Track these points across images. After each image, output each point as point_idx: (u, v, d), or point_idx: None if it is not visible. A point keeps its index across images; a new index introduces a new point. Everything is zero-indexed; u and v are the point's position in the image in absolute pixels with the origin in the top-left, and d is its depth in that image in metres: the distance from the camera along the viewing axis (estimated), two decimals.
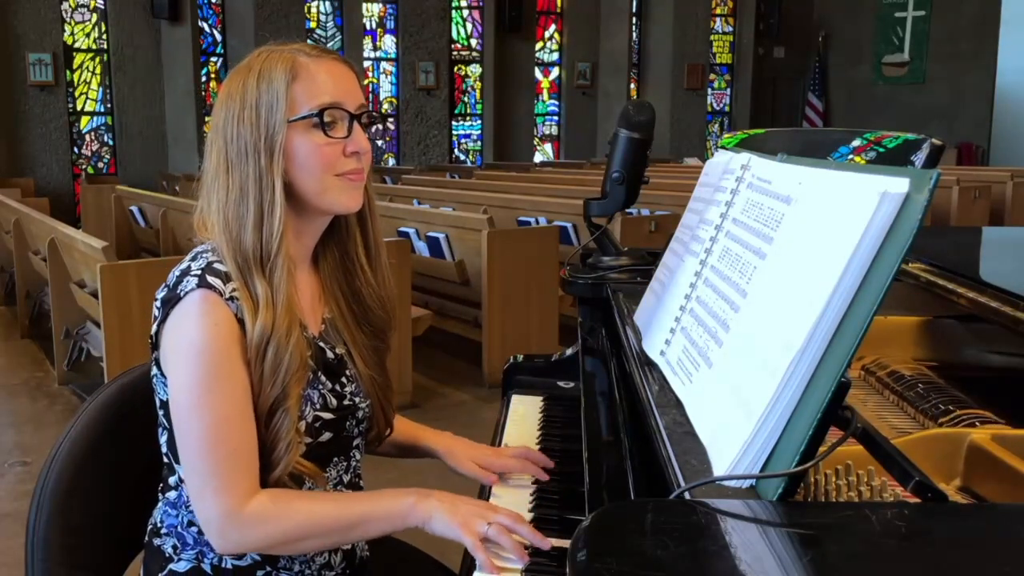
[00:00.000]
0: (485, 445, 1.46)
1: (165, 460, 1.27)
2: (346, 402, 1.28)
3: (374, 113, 1.27)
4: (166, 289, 1.19)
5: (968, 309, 1.28)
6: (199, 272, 1.17)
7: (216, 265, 1.18)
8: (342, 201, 1.23)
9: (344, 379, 1.29)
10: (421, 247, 4.89)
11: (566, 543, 0.86)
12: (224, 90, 1.24)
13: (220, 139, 1.21)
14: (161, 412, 1.24)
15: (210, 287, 1.16)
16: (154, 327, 1.20)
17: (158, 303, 1.19)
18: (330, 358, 1.28)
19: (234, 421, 1.15)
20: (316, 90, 1.19)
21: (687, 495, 0.82)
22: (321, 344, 1.28)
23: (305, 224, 1.26)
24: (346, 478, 1.33)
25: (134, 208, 7.14)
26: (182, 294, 1.16)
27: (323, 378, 1.26)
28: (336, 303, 1.32)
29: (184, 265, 1.20)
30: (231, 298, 1.16)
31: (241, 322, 1.16)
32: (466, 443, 1.43)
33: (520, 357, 1.90)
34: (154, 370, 1.23)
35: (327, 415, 1.25)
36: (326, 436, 1.26)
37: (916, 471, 0.78)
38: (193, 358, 1.15)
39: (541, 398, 1.77)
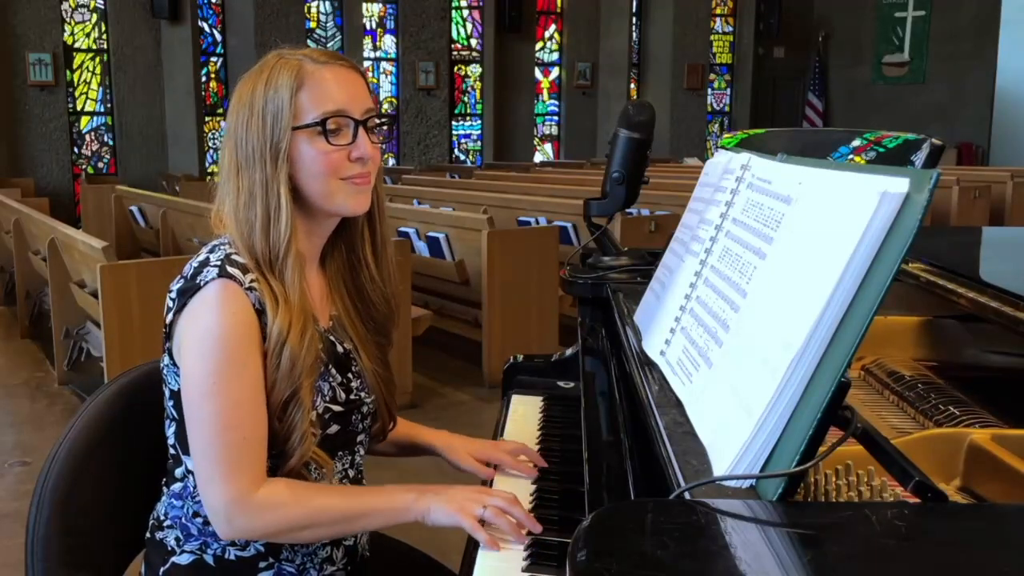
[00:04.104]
0: (482, 440, 1.48)
1: (172, 452, 1.29)
2: (352, 396, 1.31)
3: (382, 116, 1.28)
4: (183, 280, 1.22)
5: (968, 309, 1.28)
6: (219, 263, 1.20)
7: (235, 256, 1.22)
8: (349, 204, 1.25)
9: (351, 374, 1.32)
10: (421, 247, 4.89)
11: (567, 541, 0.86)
12: (236, 94, 1.26)
13: (231, 142, 1.24)
14: (171, 403, 1.26)
15: (230, 277, 1.19)
16: (169, 317, 1.22)
17: (173, 294, 1.22)
18: (340, 352, 1.31)
19: (247, 409, 1.17)
20: (321, 97, 1.21)
21: (687, 495, 0.82)
22: (332, 338, 1.31)
23: (316, 224, 1.29)
24: (351, 473, 1.35)
25: (134, 208, 7.14)
26: (201, 284, 1.18)
27: (333, 371, 1.29)
28: (341, 300, 1.35)
29: (202, 257, 1.23)
30: (250, 288, 1.19)
31: (259, 312, 1.19)
32: (464, 439, 1.47)
33: (520, 357, 1.90)
34: (165, 360, 1.25)
35: (336, 407, 1.28)
36: (334, 428, 1.28)
37: (916, 471, 0.78)
38: (210, 346, 1.17)
39: (541, 398, 1.78)
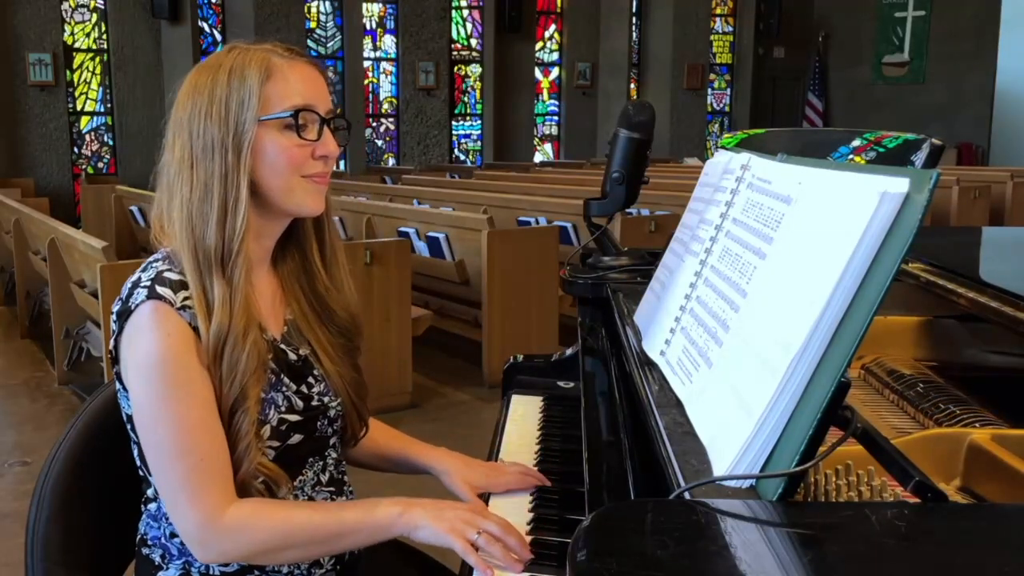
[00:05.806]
0: (482, 463, 1.40)
1: (140, 473, 1.26)
2: (314, 403, 1.27)
3: (342, 119, 1.26)
4: (120, 302, 1.18)
5: (968, 309, 1.28)
6: (148, 284, 1.16)
7: (166, 274, 1.17)
8: (307, 203, 1.22)
9: (311, 379, 1.28)
10: (421, 247, 4.89)
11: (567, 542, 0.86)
12: (190, 84, 1.22)
13: (185, 133, 1.19)
14: (129, 426, 1.23)
15: (160, 298, 1.14)
16: (112, 341, 1.19)
17: (113, 316, 1.18)
18: (293, 360, 1.26)
19: (199, 429, 1.14)
20: (289, 91, 1.19)
21: (687, 495, 0.82)
22: (283, 347, 1.26)
23: (266, 225, 1.24)
24: (324, 477, 1.31)
25: (134, 208, 7.14)
26: (133, 307, 1.15)
27: (287, 380, 1.24)
28: (298, 303, 1.30)
29: (135, 277, 1.19)
30: (183, 307, 1.15)
31: (196, 330, 1.15)
32: (463, 462, 1.38)
33: (520, 357, 1.90)
34: (117, 384, 1.22)
35: (293, 417, 1.24)
36: (296, 438, 1.24)
37: (916, 471, 0.78)
38: (150, 370, 1.13)
39: (541, 398, 1.77)
